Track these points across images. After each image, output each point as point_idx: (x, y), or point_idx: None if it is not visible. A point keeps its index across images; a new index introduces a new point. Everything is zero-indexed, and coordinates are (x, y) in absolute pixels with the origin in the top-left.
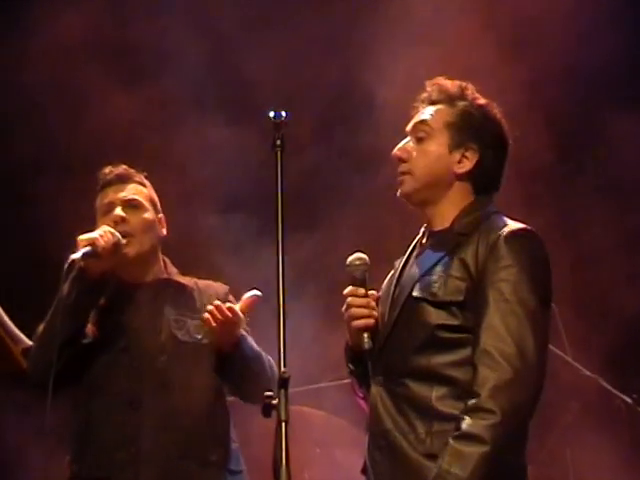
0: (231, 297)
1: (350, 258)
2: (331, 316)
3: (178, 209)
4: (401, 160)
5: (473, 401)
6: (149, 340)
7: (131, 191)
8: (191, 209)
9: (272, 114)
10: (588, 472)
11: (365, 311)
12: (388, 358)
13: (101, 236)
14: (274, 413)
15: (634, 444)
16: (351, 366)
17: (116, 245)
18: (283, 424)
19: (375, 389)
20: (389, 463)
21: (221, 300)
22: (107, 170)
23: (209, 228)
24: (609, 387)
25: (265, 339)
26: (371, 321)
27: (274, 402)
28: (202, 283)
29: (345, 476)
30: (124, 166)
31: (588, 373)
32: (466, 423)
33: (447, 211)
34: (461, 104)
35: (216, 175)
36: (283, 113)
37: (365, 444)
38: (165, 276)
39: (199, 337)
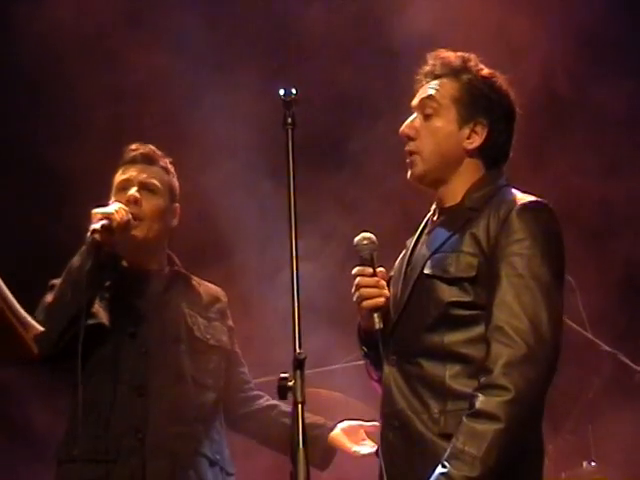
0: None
1: (357, 238)
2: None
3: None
4: (409, 138)
5: (486, 378)
6: (161, 329)
7: (152, 175)
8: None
9: (282, 92)
10: (610, 448)
11: (374, 291)
12: (401, 337)
13: (116, 211)
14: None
15: None
16: (365, 348)
17: (128, 224)
18: (299, 406)
19: (388, 369)
20: (403, 444)
21: (222, 306)
22: (134, 146)
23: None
24: (628, 362)
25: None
26: (381, 300)
27: (290, 384)
28: (203, 283)
29: (362, 460)
30: (152, 147)
31: (607, 348)
32: (479, 401)
33: (458, 188)
34: (465, 77)
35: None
36: (293, 90)
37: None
38: (175, 267)
39: (208, 337)
